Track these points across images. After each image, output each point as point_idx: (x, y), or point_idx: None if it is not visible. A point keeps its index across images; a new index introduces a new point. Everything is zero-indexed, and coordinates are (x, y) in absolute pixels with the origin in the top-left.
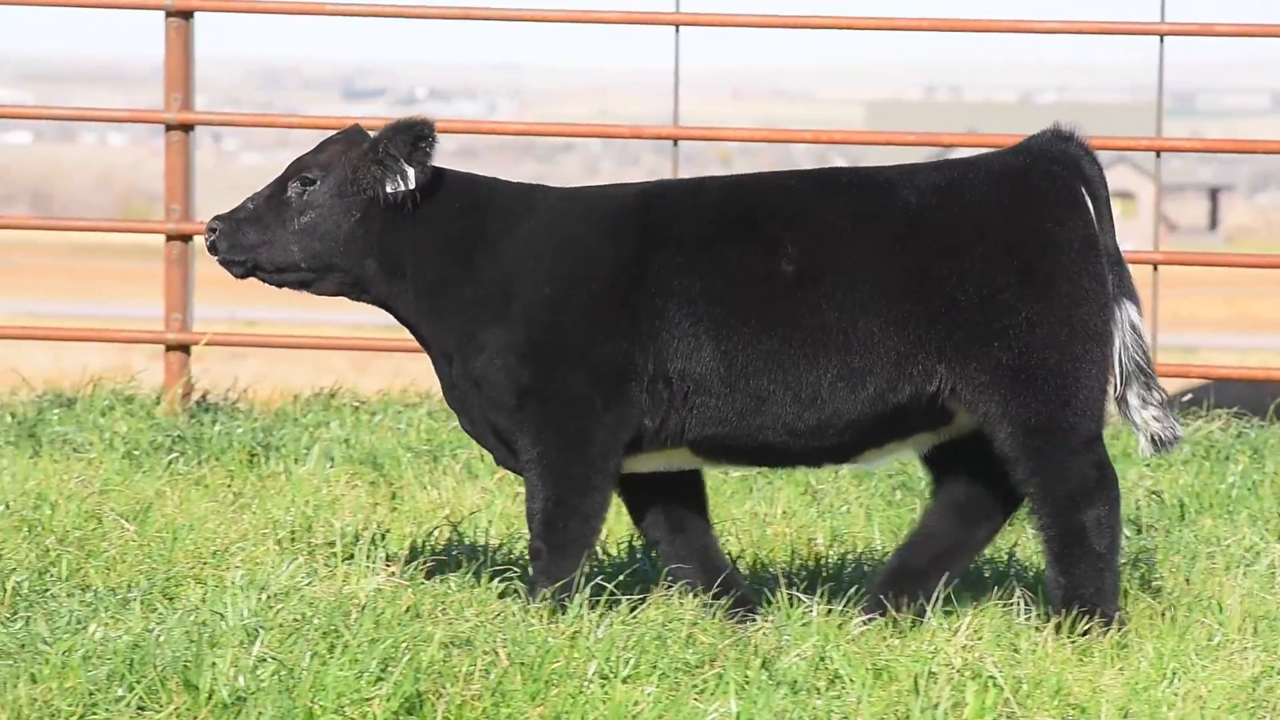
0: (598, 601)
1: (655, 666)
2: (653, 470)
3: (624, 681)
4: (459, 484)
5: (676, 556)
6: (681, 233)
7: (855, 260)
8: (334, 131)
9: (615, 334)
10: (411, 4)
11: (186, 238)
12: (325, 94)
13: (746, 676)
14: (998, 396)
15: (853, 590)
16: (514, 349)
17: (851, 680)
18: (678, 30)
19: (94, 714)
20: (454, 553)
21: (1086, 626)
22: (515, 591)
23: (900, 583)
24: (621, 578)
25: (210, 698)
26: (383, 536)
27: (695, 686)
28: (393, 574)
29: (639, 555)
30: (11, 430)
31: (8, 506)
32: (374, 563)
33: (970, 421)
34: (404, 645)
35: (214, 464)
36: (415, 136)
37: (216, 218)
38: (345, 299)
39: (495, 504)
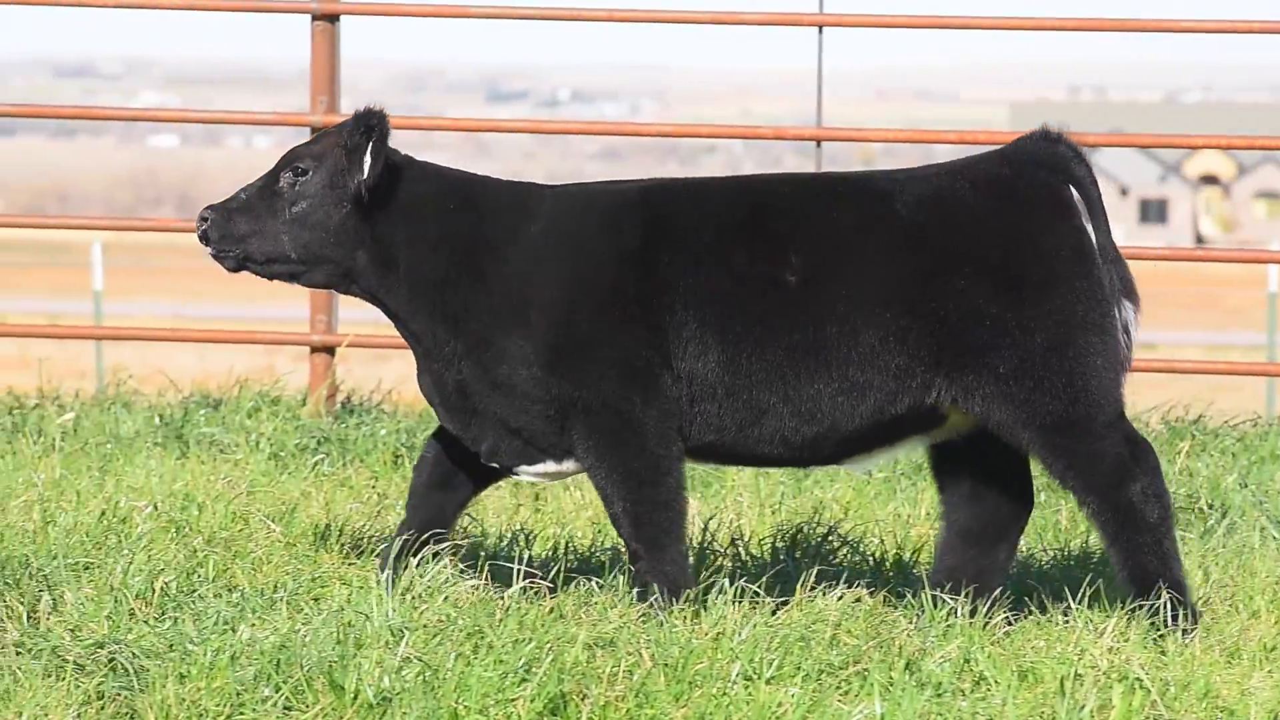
0: (740, 602)
1: (799, 668)
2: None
3: (767, 682)
4: None
5: (419, 499)
6: (686, 231)
7: (856, 271)
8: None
9: (633, 329)
10: (555, 6)
11: None
12: (469, 96)
13: (891, 678)
14: (1008, 404)
15: (997, 592)
16: (539, 358)
17: (996, 682)
18: (821, 31)
19: (241, 714)
20: (597, 554)
21: (1158, 601)
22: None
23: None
24: (765, 579)
25: (356, 698)
26: (526, 538)
27: (839, 688)
28: (536, 574)
29: (781, 556)
30: (159, 431)
31: (156, 507)
32: (518, 564)
33: (962, 422)
34: (548, 646)
35: (358, 465)
36: (366, 127)
37: (209, 207)
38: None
39: None
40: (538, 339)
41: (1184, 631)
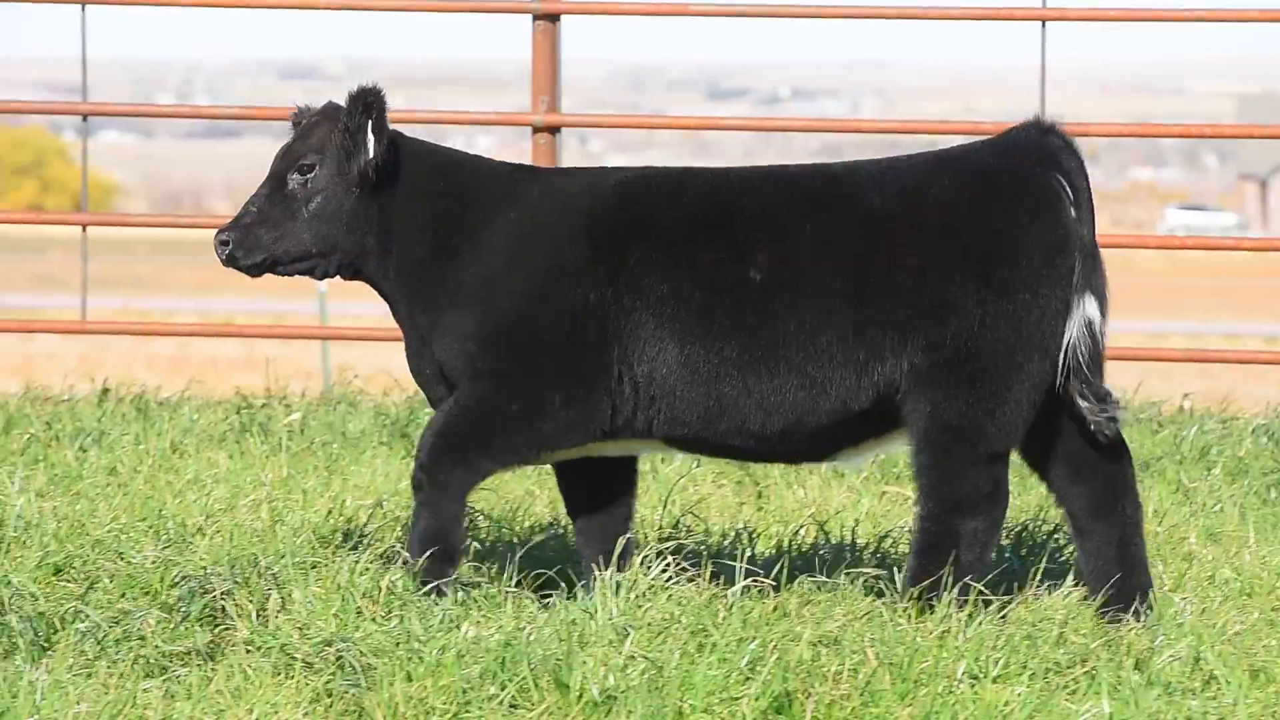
0: (965, 601)
1: (1025, 666)
2: (621, 454)
3: (994, 681)
4: (825, 483)
5: (588, 542)
6: (654, 228)
7: (821, 265)
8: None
9: (584, 330)
10: (775, 3)
11: None
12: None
13: (1119, 677)
14: (929, 391)
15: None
16: (477, 335)
17: (1228, 681)
18: (1044, 26)
19: (467, 712)
20: (820, 552)
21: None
22: (882, 591)
23: (1120, 601)
24: (990, 577)
25: (580, 696)
26: (749, 535)
27: (1066, 687)
28: (760, 573)
29: (1007, 555)
30: (384, 430)
31: (382, 506)
32: (742, 562)
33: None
34: (772, 645)
35: None
36: (364, 105)
37: (224, 230)
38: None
39: (861, 503)
40: (486, 319)
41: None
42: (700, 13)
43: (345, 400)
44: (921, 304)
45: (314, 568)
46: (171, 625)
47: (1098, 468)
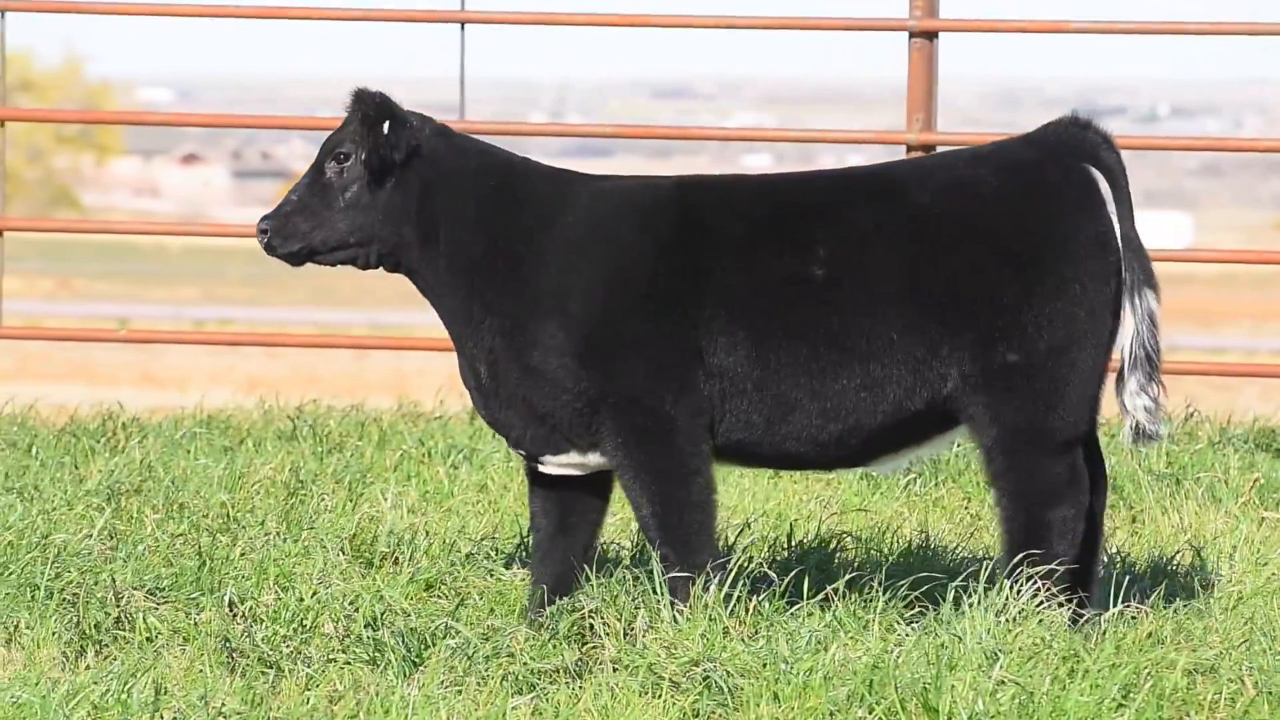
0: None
1: None
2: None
3: None
4: (1201, 508)
5: (542, 562)
6: (718, 226)
7: (875, 264)
8: None
9: (667, 325)
10: (1154, 20)
11: None
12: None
13: None
14: (990, 394)
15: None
16: (571, 348)
17: None
18: None
19: None
20: (1195, 578)
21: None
22: (1256, 619)
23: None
24: None
25: (949, 719)
26: (1122, 560)
27: None
28: (1133, 599)
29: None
30: None
31: (749, 526)
32: (1114, 587)
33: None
34: (1146, 671)
35: (951, 486)
36: (376, 101)
37: (265, 218)
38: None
39: (1240, 529)
40: (572, 329)
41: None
42: (1079, 29)
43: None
44: (972, 300)
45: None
46: (540, 643)
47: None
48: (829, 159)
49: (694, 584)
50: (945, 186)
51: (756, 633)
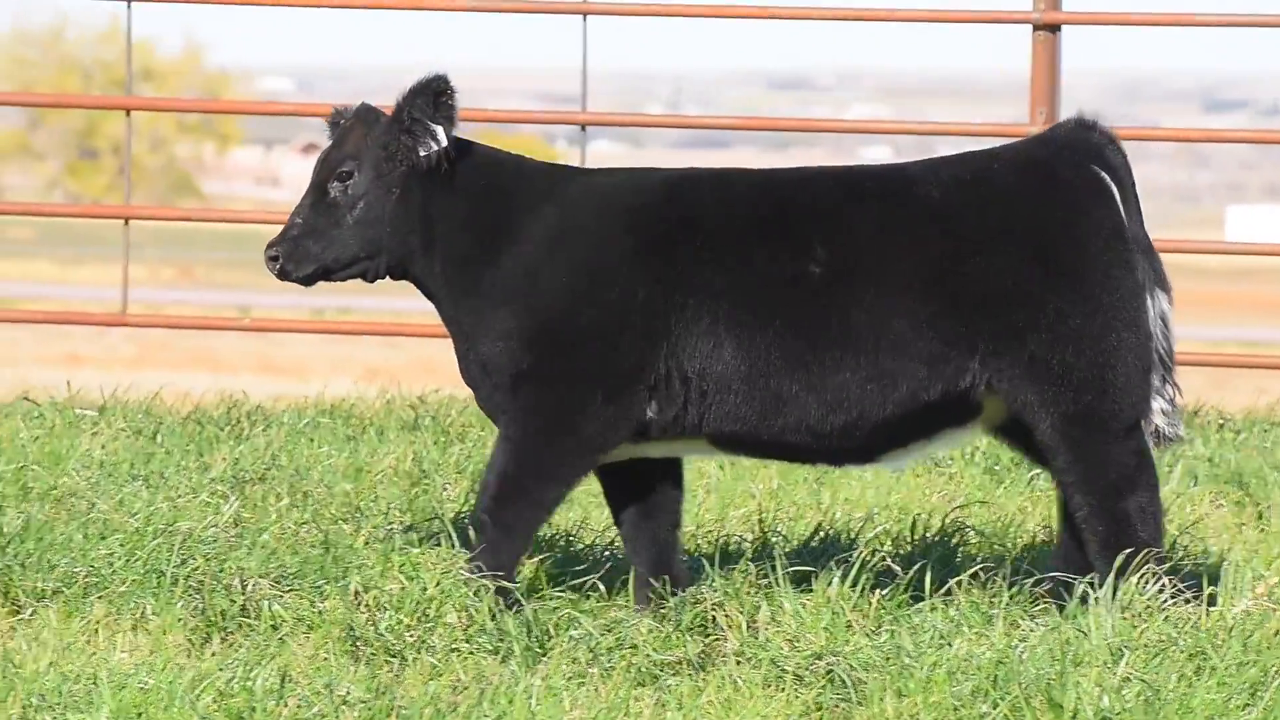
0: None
1: None
2: (664, 456)
3: None
4: None
5: (635, 548)
6: (706, 226)
7: (883, 260)
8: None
9: (631, 328)
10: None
11: None
12: (1184, 106)
13: None
14: (1035, 388)
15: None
16: (521, 334)
17: None
18: None
19: None
20: None
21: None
22: None
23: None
24: None
25: (1074, 717)
26: (1250, 558)
27: None
28: (1261, 597)
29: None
30: None
31: (872, 519)
32: (1241, 585)
33: (998, 414)
34: (1274, 670)
35: None
36: (435, 93)
37: (273, 244)
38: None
39: None
40: (529, 317)
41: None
42: (1204, 22)
43: None
44: (992, 296)
45: (803, 580)
46: (663, 634)
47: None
48: (948, 151)
49: (488, 564)
50: (958, 183)
51: (880, 627)
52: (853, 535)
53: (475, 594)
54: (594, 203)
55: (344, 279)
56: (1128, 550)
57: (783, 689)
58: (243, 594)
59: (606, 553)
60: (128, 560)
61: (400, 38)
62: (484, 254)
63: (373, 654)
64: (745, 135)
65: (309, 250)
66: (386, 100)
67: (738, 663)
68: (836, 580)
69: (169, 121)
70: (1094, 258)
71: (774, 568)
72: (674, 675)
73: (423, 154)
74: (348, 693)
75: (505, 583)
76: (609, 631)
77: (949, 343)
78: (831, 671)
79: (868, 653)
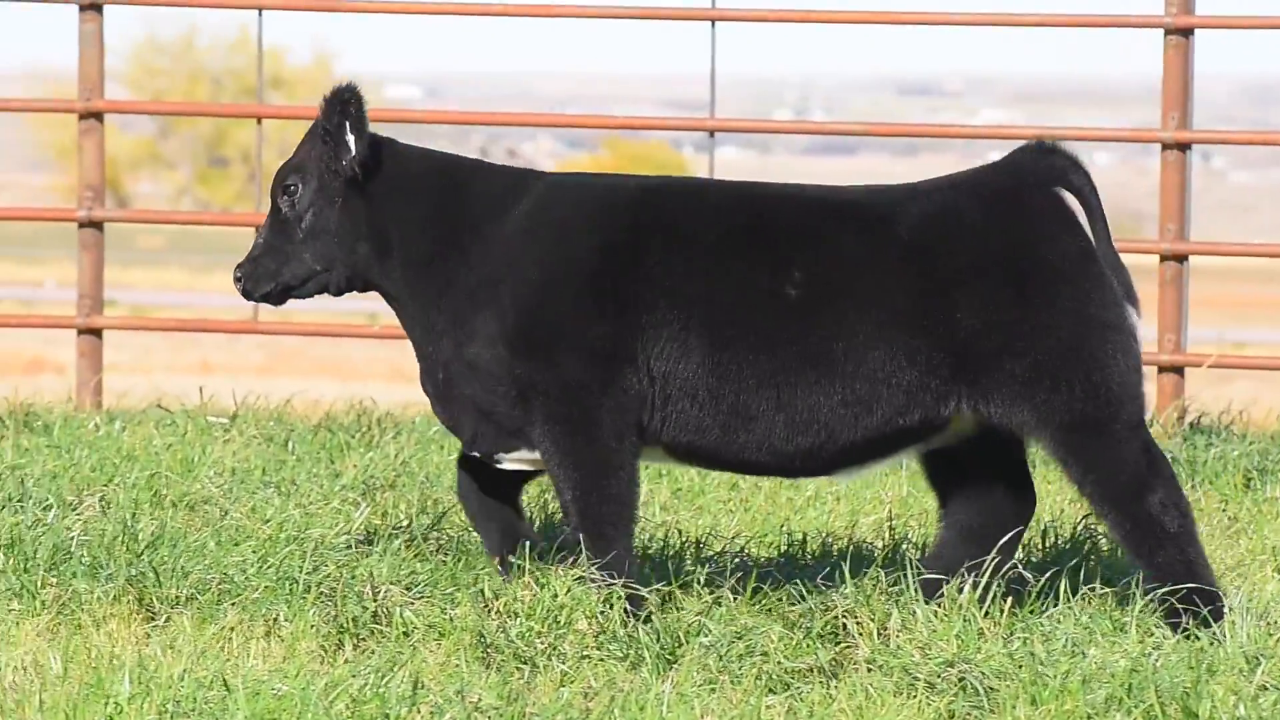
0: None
1: None
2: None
3: None
4: None
5: (485, 530)
6: (679, 232)
7: (859, 288)
8: None
9: (603, 319)
10: None
11: (1181, 258)
12: None
13: None
14: (1027, 405)
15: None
16: (504, 337)
17: None
18: None
19: None
20: None
21: (1190, 609)
22: None
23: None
24: None
25: None
26: None
27: None
28: None
29: None
30: None
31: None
32: None
33: (963, 428)
34: None
35: (1208, 488)
36: (341, 103)
37: (238, 265)
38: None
39: None
40: (506, 319)
41: (1214, 637)
42: None
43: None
44: (969, 326)
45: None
46: (794, 642)
47: (996, 509)
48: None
49: (610, 572)
50: (925, 214)
51: (1012, 634)
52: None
53: (607, 601)
54: (565, 200)
55: (307, 295)
56: (1158, 549)
57: (914, 696)
58: (374, 601)
59: (736, 560)
60: (260, 567)
61: (527, 44)
62: (448, 253)
63: (504, 661)
64: (873, 141)
65: (267, 268)
66: (508, 107)
67: (869, 670)
68: (968, 587)
69: (298, 129)
70: (1065, 275)
71: (905, 574)
72: (805, 682)
73: (343, 162)
74: (479, 699)
75: (635, 588)
76: (740, 639)
77: (928, 372)
78: (964, 679)
79: (1000, 660)
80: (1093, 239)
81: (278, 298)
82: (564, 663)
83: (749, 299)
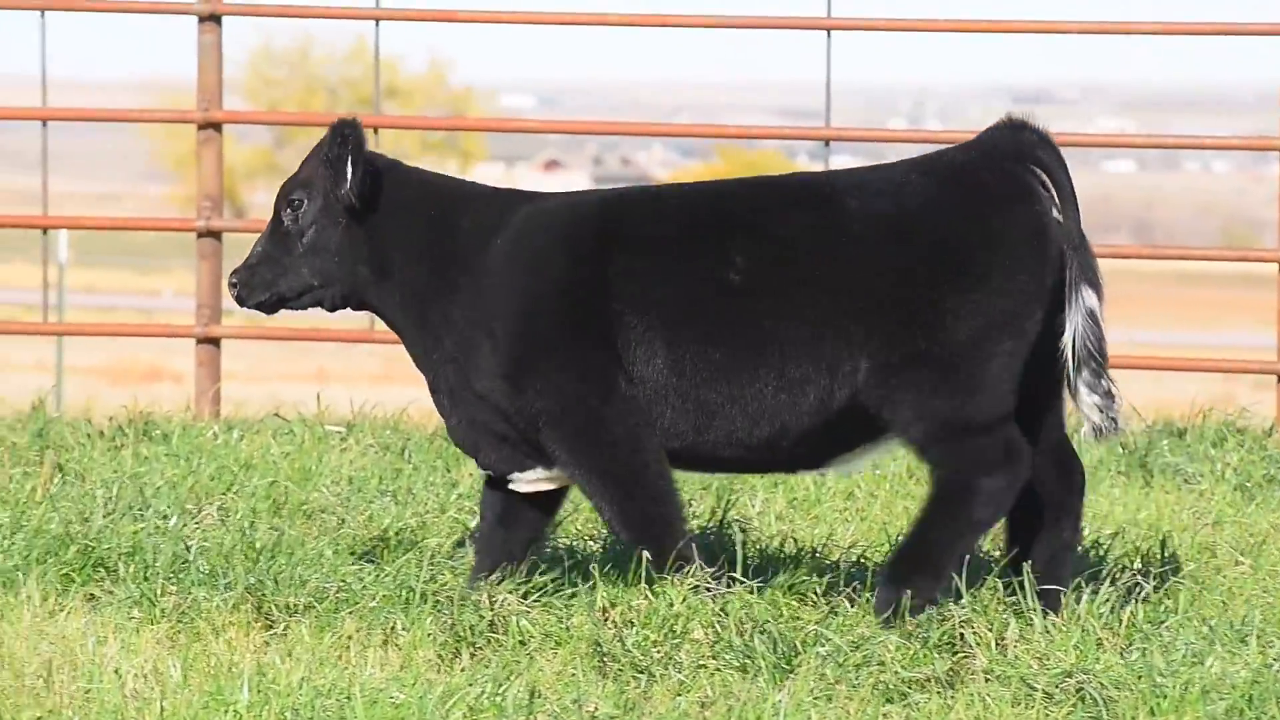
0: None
1: None
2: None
3: None
4: None
5: (482, 547)
6: (637, 240)
7: (794, 268)
8: None
9: (587, 336)
10: None
11: None
12: None
13: None
14: (910, 385)
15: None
16: (501, 370)
17: None
18: None
19: None
20: None
21: (910, 583)
22: None
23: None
24: None
25: None
26: None
27: None
28: None
29: None
30: (1122, 460)
31: (1121, 535)
32: None
33: None
34: None
35: None
36: (340, 136)
37: (234, 271)
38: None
39: None
40: (500, 351)
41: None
42: None
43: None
44: (890, 299)
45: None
46: (911, 651)
47: (1048, 485)
48: (1194, 164)
49: (668, 565)
50: (874, 191)
51: (1130, 644)
52: (1102, 552)
53: (723, 610)
54: (537, 226)
55: (301, 307)
56: (951, 523)
57: (1032, 707)
58: (491, 609)
59: (853, 569)
60: (377, 576)
61: (641, 53)
62: (443, 286)
63: (620, 670)
64: None
65: (264, 278)
66: (621, 115)
67: (986, 680)
68: (1086, 597)
69: (412, 139)
70: (1004, 261)
71: (1022, 584)
72: (922, 692)
73: (342, 190)
74: (596, 708)
75: (701, 568)
76: (856, 648)
77: (845, 346)
78: (1082, 689)
79: (1119, 670)
80: (1049, 218)
81: (271, 307)
82: (680, 672)
83: (698, 293)
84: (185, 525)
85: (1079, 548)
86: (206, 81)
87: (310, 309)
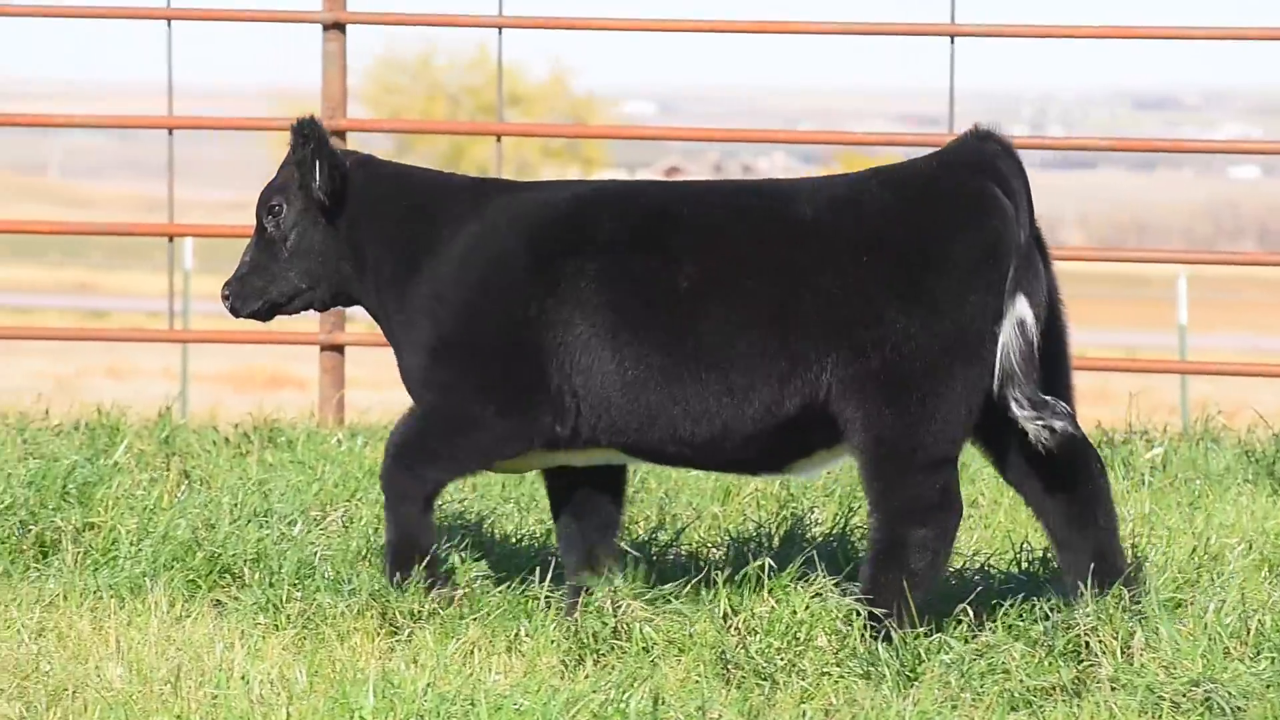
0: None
1: None
2: (588, 464)
3: None
4: None
5: (566, 546)
6: (594, 241)
7: (742, 276)
8: None
9: (524, 342)
10: None
11: None
12: None
13: None
14: (859, 402)
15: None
16: (426, 347)
17: None
18: None
19: None
20: None
21: (868, 636)
22: None
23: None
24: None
25: None
26: None
27: None
28: None
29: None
30: (1249, 468)
31: (1249, 545)
32: None
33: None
34: None
35: None
36: (302, 136)
37: (226, 283)
38: None
39: None
40: (435, 331)
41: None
42: None
43: (1207, 436)
44: (845, 312)
45: (1178, 606)
46: (1036, 660)
47: (1070, 479)
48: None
49: (394, 524)
50: (830, 201)
51: (1259, 653)
52: (1229, 560)
53: (846, 619)
54: (503, 220)
55: (294, 311)
56: (890, 577)
57: (1159, 716)
58: (615, 616)
59: (976, 578)
60: (501, 583)
61: (761, 59)
62: (406, 271)
63: (744, 677)
64: (1110, 155)
65: (254, 286)
66: (741, 123)
67: (1112, 689)
68: (1213, 606)
69: (534, 146)
70: (955, 282)
71: (1148, 592)
72: (1048, 700)
73: (314, 187)
74: (720, 716)
75: (416, 545)
76: (981, 656)
77: (799, 358)
78: (1209, 699)
79: (1247, 680)
80: (1007, 230)
81: (265, 315)
82: (804, 679)
83: (646, 297)
84: (310, 531)
85: (1121, 530)
86: (331, 90)
87: (302, 313)
